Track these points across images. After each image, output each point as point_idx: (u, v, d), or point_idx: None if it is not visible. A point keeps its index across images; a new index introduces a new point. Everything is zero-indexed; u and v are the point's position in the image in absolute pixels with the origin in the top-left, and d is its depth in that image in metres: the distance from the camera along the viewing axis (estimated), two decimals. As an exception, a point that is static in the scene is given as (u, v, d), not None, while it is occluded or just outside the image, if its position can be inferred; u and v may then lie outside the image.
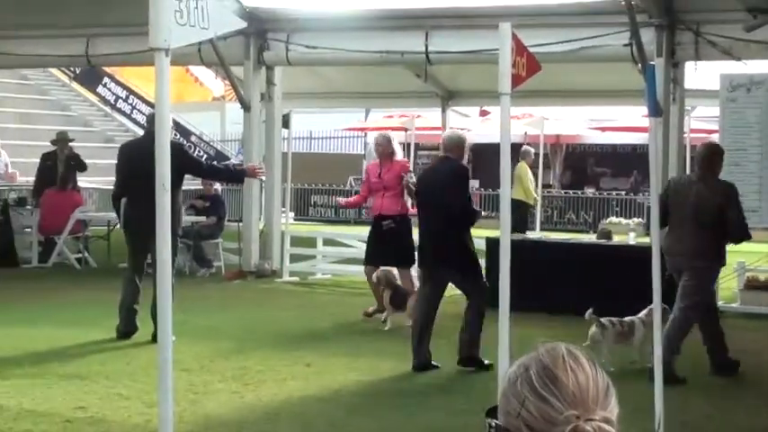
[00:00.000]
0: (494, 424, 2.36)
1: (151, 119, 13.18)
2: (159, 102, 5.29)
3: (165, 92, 5.22)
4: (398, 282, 14.00)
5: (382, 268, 14.17)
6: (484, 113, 37.37)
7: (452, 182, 11.19)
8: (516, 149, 17.07)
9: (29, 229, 21.06)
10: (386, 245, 14.32)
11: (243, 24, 6.42)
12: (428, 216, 11.42)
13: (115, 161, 13.28)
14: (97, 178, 31.52)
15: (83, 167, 21.74)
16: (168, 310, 4.94)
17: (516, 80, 7.23)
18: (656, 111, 8.16)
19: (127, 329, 12.63)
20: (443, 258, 11.16)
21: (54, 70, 42.11)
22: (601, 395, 2.29)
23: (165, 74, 5.18)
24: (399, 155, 15.01)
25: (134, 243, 12.75)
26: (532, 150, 24.24)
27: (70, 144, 21.84)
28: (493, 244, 15.00)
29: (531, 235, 19.77)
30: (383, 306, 14.18)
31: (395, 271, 14.08)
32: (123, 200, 12.96)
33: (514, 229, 22.32)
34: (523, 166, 23.84)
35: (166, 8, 5.09)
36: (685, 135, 17.36)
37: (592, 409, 2.26)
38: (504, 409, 2.35)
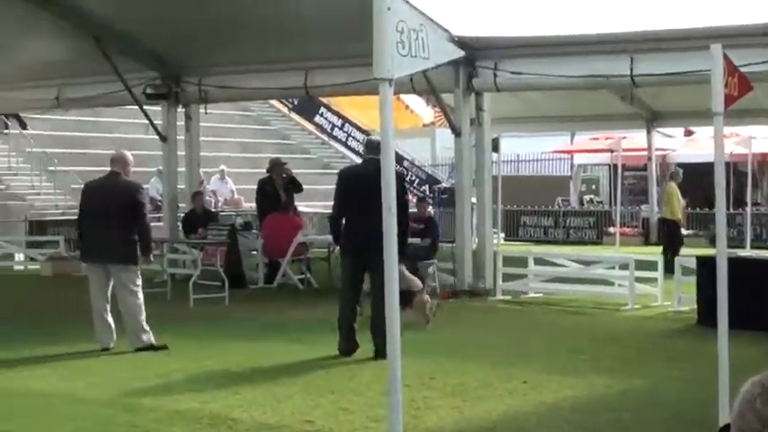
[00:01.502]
0: (729, 441, 2.29)
1: (369, 145, 13.20)
2: (384, 129, 5.35)
3: (388, 119, 5.27)
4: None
5: None
6: (688, 133, 36.70)
7: None
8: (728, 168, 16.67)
9: (254, 252, 21.55)
10: None
11: (461, 53, 6.48)
12: None
13: (333, 186, 13.40)
14: (316, 203, 32.11)
15: (299, 189, 22.12)
16: (397, 326, 4.98)
17: (728, 100, 7.09)
18: None
19: (348, 347, 12.73)
20: None
21: (274, 101, 43.12)
22: None
23: (388, 102, 5.24)
24: None
25: (353, 264, 12.80)
26: (681, 171, 23.63)
27: (286, 167, 22.24)
28: (704, 262, 14.71)
29: (741, 252, 19.25)
30: None
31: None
32: (344, 223, 13.06)
33: (665, 247, 22.00)
34: (673, 186, 23.27)
35: (390, 40, 5.16)
36: None
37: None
38: (738, 428, 2.28)
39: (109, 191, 13.30)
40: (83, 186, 14.08)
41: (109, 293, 13.34)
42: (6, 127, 30.64)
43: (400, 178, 13.01)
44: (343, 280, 13.13)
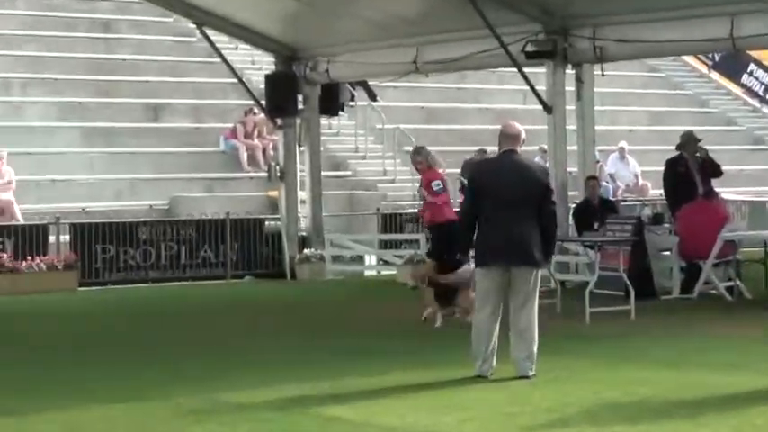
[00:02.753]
0: None
1: None
2: None
3: None
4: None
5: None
6: None
7: None
8: None
9: (667, 253, 21.33)
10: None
11: None
12: None
13: (767, 167, 13.05)
14: (746, 188, 31.53)
15: (717, 173, 21.76)
16: None
17: None
18: None
19: None
20: None
21: (688, 58, 42.62)
22: None
23: None
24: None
25: None
26: None
27: (701, 145, 21.90)
28: None
29: None
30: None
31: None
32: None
33: None
34: None
35: None
36: None
37: None
38: None
39: (512, 174, 13.12)
40: (470, 168, 13.94)
41: (501, 307, 13.26)
42: (352, 99, 31.27)
43: None
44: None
